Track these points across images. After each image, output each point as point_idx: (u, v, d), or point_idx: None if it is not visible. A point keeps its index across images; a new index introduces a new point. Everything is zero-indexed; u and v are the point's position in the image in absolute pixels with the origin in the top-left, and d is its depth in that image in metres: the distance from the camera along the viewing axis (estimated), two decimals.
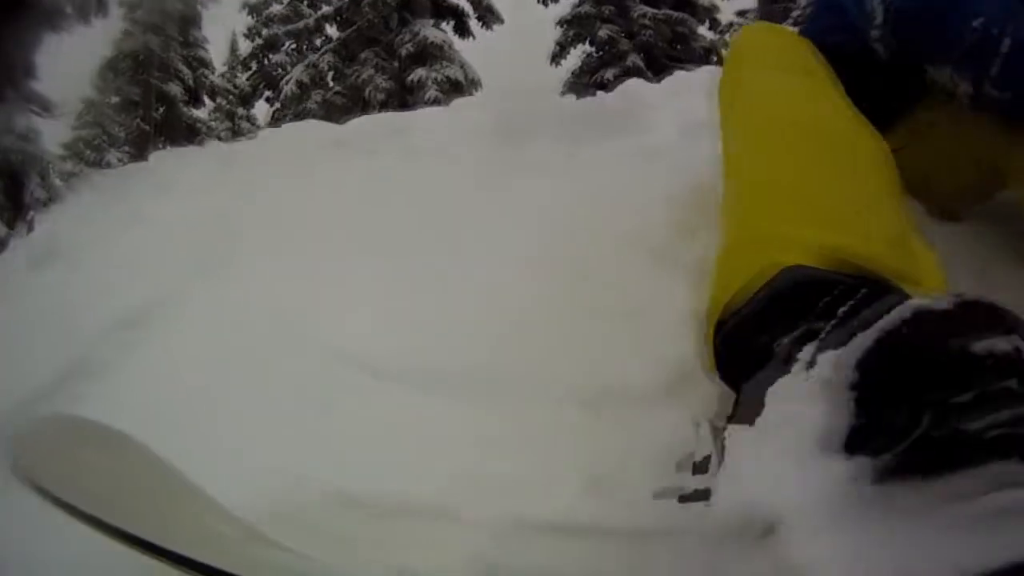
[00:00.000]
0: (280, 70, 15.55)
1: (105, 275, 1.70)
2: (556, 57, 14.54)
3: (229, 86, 17.50)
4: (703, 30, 15.76)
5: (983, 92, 0.97)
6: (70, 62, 11.67)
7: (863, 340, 0.59)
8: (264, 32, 16.15)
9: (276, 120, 14.02)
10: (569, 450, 0.94)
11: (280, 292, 1.42)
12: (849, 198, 0.88)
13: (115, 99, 16.63)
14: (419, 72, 13.25)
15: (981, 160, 1.14)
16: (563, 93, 9.66)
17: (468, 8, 14.62)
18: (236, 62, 17.75)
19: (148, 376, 1.25)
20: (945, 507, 0.55)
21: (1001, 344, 0.56)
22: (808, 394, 0.62)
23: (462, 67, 13.49)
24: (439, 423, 1.00)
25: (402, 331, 1.26)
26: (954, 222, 1.29)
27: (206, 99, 17.48)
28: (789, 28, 1.21)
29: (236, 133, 14.96)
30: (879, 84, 1.17)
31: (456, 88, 12.86)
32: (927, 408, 0.56)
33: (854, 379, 0.59)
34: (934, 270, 0.87)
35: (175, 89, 16.65)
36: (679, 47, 14.93)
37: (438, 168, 1.92)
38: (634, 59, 14.07)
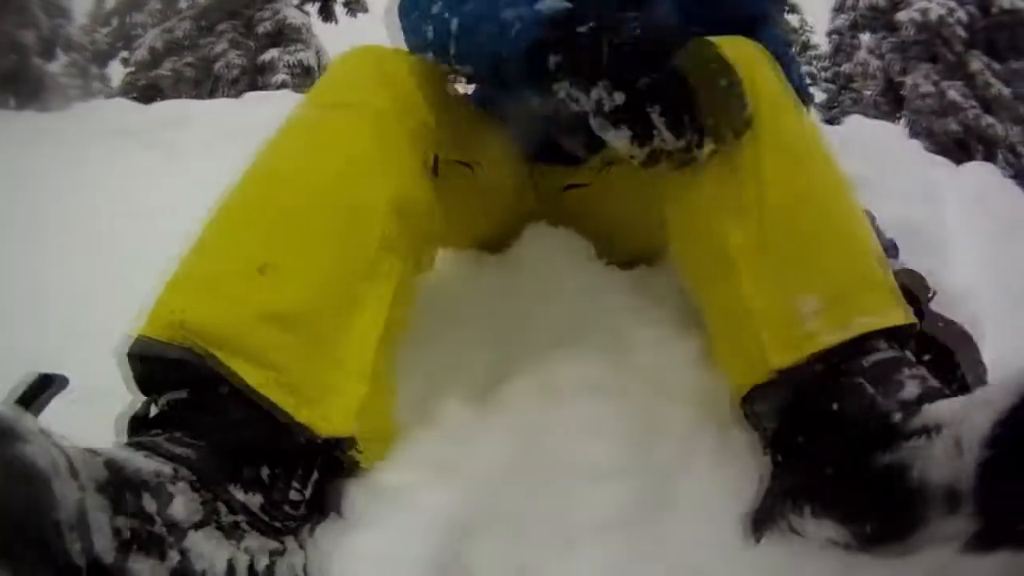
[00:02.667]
0: (140, 31, 15.06)
1: None
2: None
3: (86, 41, 16.76)
4: None
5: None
6: None
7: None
8: None
9: (129, 84, 13.60)
10: None
11: None
12: (250, 260, 0.79)
13: None
14: (272, 52, 12.93)
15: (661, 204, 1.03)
16: None
17: None
18: (100, 15, 17.02)
19: None
20: None
21: None
22: None
23: (317, 53, 13.23)
24: None
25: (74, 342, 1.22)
26: (627, 268, 1.23)
27: (60, 53, 16.68)
28: (391, 49, 1.06)
29: (87, 93, 14.39)
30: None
31: (307, 73, 12.67)
32: None
33: None
34: (353, 342, 0.80)
35: (29, 37, 15.79)
36: None
37: (191, 170, 2.05)
38: None
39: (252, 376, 0.73)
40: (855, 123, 2.62)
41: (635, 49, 0.86)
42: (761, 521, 0.80)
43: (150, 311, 0.76)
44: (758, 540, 0.79)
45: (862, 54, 15.77)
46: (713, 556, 0.78)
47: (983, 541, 0.63)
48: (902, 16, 14.56)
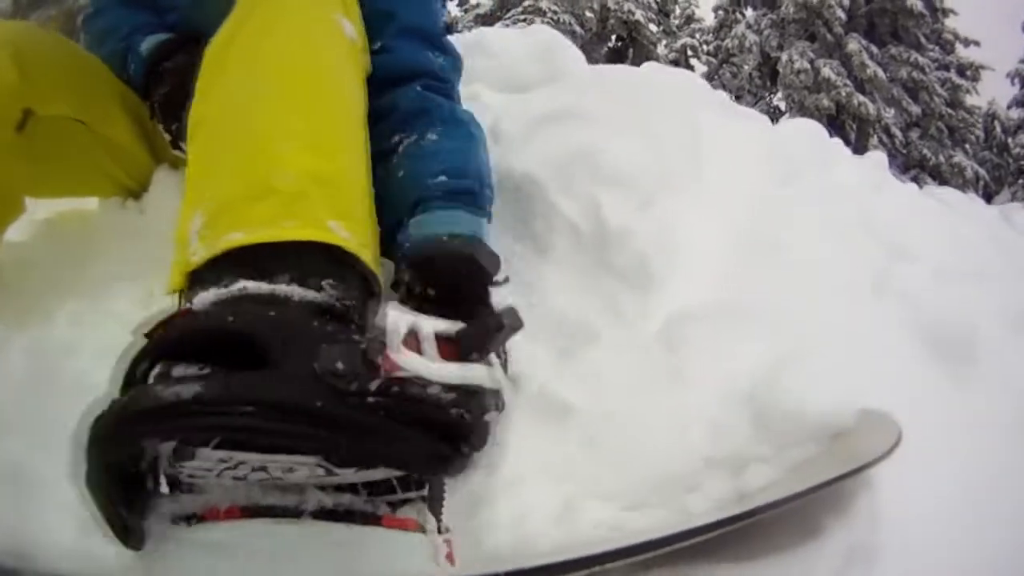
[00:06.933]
0: None
1: None
2: None
3: None
4: None
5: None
6: None
7: None
8: None
9: None
10: None
11: None
12: None
13: None
14: None
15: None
16: None
17: None
18: None
19: None
20: None
21: None
22: None
23: None
24: None
25: None
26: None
27: None
28: (12, 24, 1.26)
29: None
30: None
31: None
32: None
33: None
34: None
35: None
36: None
37: None
38: None
39: None
40: (653, 68, 2.52)
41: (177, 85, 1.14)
42: None
43: None
44: None
45: (740, 28, 16.06)
46: None
47: None
48: None
